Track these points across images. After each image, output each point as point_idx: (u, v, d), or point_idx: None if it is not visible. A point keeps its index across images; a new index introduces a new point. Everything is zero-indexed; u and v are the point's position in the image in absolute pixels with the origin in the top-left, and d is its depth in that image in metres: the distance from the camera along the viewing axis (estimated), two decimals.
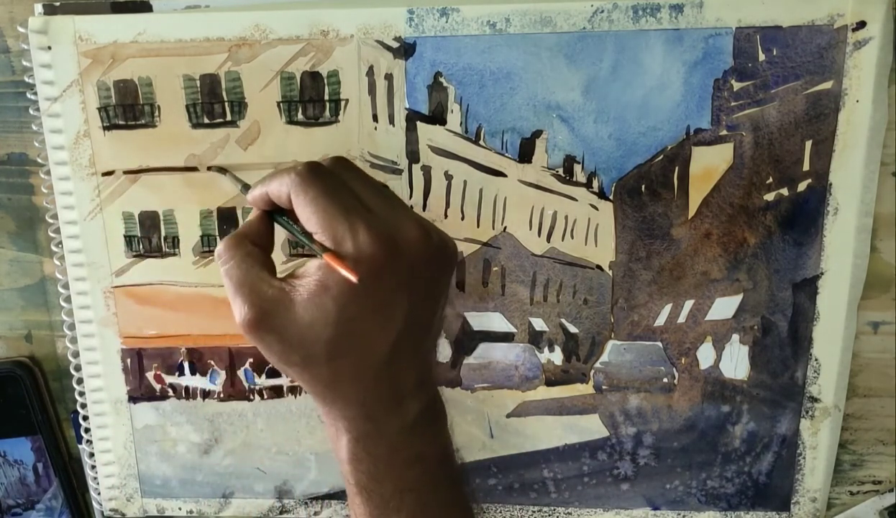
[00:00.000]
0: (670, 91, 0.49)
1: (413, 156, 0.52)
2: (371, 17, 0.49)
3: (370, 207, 0.39)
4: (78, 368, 0.57)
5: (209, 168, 0.51)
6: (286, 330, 0.37)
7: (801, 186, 0.51)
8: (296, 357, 0.38)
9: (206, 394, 0.58)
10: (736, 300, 0.53)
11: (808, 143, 0.50)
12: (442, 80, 0.50)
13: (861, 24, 0.47)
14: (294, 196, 0.38)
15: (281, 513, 0.60)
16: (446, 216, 0.53)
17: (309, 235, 0.38)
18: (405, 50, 0.50)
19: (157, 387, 0.58)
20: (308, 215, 0.38)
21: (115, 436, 0.59)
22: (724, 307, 0.53)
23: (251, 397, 0.58)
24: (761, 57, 0.48)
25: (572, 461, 0.57)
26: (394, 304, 0.38)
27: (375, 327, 0.38)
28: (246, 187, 0.46)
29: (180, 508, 0.61)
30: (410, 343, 0.40)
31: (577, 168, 0.51)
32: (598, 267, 0.53)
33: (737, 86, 0.49)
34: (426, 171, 0.52)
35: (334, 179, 0.39)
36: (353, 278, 0.35)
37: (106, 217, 0.54)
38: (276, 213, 0.42)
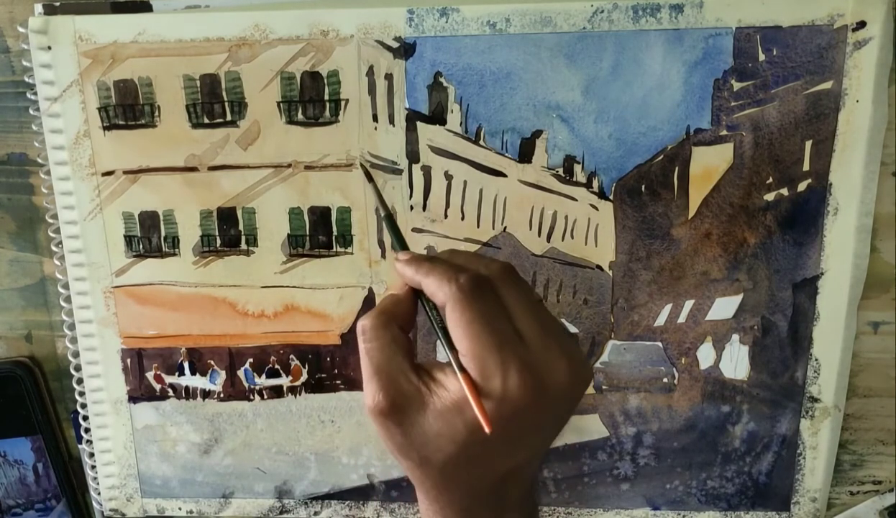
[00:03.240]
0: (670, 91, 0.49)
1: (413, 156, 0.52)
2: (371, 17, 0.49)
3: (524, 335, 0.37)
4: (78, 368, 0.57)
5: (362, 166, 0.50)
6: (412, 429, 0.37)
7: (801, 186, 0.51)
8: (413, 454, 0.38)
9: (206, 394, 0.58)
10: (736, 300, 0.53)
11: (808, 143, 0.50)
12: (442, 80, 0.50)
13: (861, 24, 0.47)
14: (450, 310, 0.37)
15: (281, 513, 0.60)
16: (446, 216, 0.53)
17: (454, 349, 0.37)
18: (405, 50, 0.50)
19: (157, 387, 0.58)
20: (460, 336, 0.37)
21: (115, 436, 0.59)
22: (724, 307, 0.53)
23: (251, 397, 0.58)
24: (761, 57, 0.48)
25: (572, 461, 0.57)
26: (525, 438, 0.38)
27: (500, 455, 0.38)
28: (402, 245, 0.44)
29: (180, 508, 0.61)
30: (527, 465, 0.40)
31: (577, 168, 0.51)
32: (598, 267, 0.53)
33: (737, 86, 0.49)
34: (426, 171, 0.52)
35: (493, 303, 0.38)
36: (486, 428, 0.35)
37: (106, 217, 0.54)
38: (424, 298, 0.41)
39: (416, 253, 0.42)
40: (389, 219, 0.45)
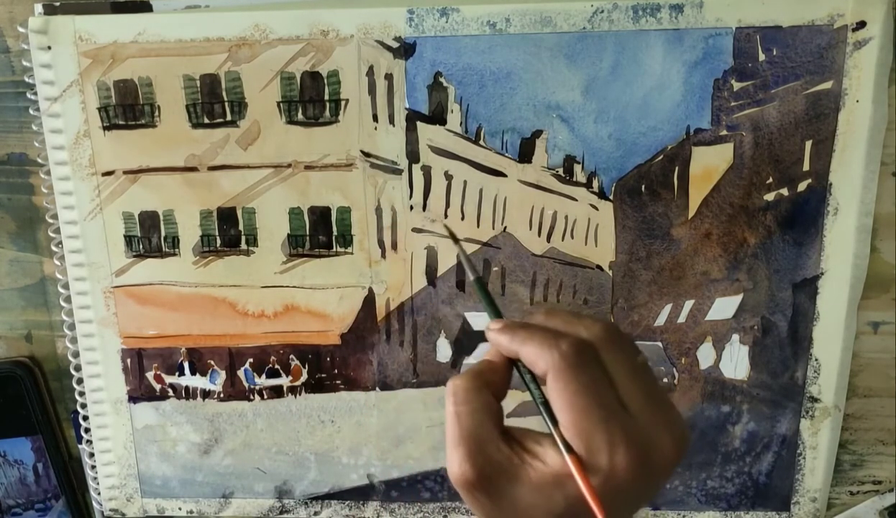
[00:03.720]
0: (670, 91, 0.49)
1: (413, 156, 0.52)
2: (371, 17, 0.49)
3: (629, 405, 0.36)
4: (78, 368, 0.57)
5: (447, 227, 0.48)
6: (502, 499, 0.36)
7: (801, 186, 0.51)
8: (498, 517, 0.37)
9: (206, 394, 0.58)
10: (736, 300, 0.53)
11: (808, 143, 0.50)
12: (442, 80, 0.50)
13: (861, 24, 0.47)
14: (552, 381, 0.35)
15: (281, 513, 0.60)
16: (446, 216, 0.53)
17: (555, 420, 0.35)
18: (405, 50, 0.50)
19: (157, 387, 0.58)
20: (564, 408, 0.35)
21: (115, 436, 0.59)
22: (724, 307, 0.53)
23: (251, 397, 0.58)
24: (761, 57, 0.48)
25: None
26: (623, 510, 0.37)
27: None
28: (495, 312, 0.40)
29: (180, 508, 0.61)
30: None
31: (577, 168, 0.51)
32: (598, 267, 0.53)
33: (737, 86, 0.49)
34: (426, 171, 0.52)
35: (598, 371, 0.36)
36: (599, 515, 0.33)
37: (106, 217, 0.54)
38: (521, 367, 0.39)
39: (510, 320, 0.39)
40: (480, 282, 0.41)
